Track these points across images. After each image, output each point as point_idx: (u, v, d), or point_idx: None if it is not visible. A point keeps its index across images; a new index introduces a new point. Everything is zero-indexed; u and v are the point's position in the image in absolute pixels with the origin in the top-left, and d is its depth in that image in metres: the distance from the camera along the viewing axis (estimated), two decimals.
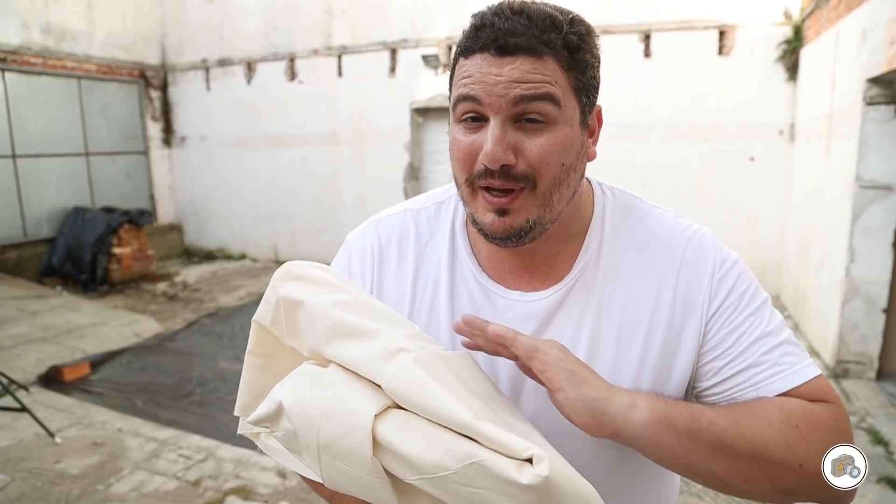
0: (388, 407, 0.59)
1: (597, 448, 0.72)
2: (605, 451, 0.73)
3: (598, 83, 0.73)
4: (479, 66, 0.66)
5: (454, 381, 0.60)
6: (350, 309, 0.66)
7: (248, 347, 0.76)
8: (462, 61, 0.68)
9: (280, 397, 0.65)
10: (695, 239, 0.77)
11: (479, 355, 0.76)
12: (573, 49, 0.66)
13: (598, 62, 0.72)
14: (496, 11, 0.66)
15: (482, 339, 0.66)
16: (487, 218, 0.70)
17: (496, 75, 0.65)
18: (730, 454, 0.63)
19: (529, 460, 0.53)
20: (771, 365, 0.71)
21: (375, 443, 0.57)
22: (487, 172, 0.67)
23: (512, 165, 0.66)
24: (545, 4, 0.68)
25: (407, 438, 0.56)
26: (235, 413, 0.77)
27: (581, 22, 0.69)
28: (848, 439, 0.68)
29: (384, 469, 0.58)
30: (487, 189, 0.69)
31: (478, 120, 0.68)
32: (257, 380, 0.75)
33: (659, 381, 0.73)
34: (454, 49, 0.71)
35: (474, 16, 0.68)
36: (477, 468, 0.53)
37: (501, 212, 0.69)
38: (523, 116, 0.66)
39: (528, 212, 0.69)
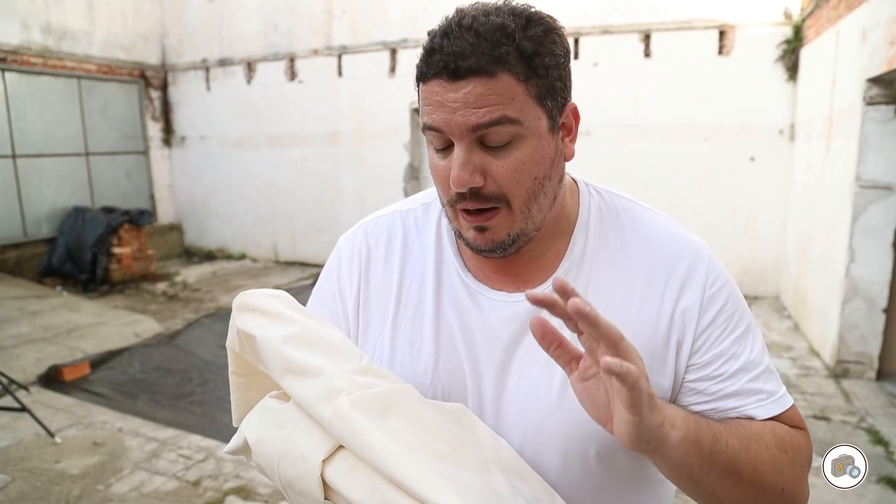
0: (340, 447, 0.61)
1: (578, 447, 0.72)
2: (587, 449, 0.72)
3: (567, 80, 0.69)
4: (437, 93, 0.65)
5: (394, 421, 0.61)
6: (298, 343, 0.67)
7: (230, 369, 0.78)
8: (422, 86, 0.67)
9: (246, 434, 0.69)
10: (687, 249, 0.75)
11: (463, 356, 0.75)
12: (529, 56, 0.64)
13: (565, 57, 0.68)
14: (445, 31, 0.64)
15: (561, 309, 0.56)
16: (470, 234, 0.70)
17: (452, 101, 0.63)
18: (736, 477, 0.65)
19: None
20: (754, 393, 0.72)
21: (326, 486, 0.60)
22: (460, 196, 0.67)
23: (481, 187, 0.66)
24: (498, 9, 0.65)
25: (352, 484, 0.59)
26: (234, 424, 0.79)
27: (539, 20, 0.66)
28: (810, 464, 0.72)
29: None
30: (465, 210, 0.69)
31: (448, 144, 0.67)
32: (244, 396, 0.78)
33: None
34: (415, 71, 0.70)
35: (429, 34, 0.67)
36: None
37: (480, 229, 0.69)
38: (485, 140, 0.65)
39: (507, 227, 0.69)
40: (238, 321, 0.72)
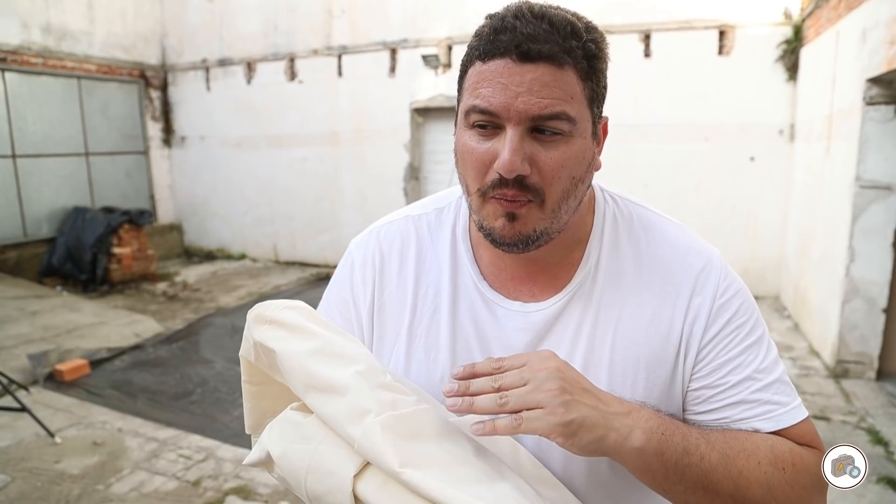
0: (367, 463, 0.61)
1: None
2: (599, 457, 0.72)
3: (606, 92, 0.71)
4: (500, 74, 0.63)
5: (422, 443, 0.61)
6: (321, 358, 0.65)
7: (243, 377, 0.77)
8: (479, 66, 0.65)
9: (268, 447, 0.68)
10: (700, 258, 0.75)
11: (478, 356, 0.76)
12: (591, 57, 0.65)
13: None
14: (517, 14, 0.63)
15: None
16: (498, 223, 0.68)
17: (517, 85, 0.62)
18: (710, 492, 0.65)
19: None
20: (762, 403, 0.71)
21: (358, 500, 0.60)
22: (502, 182, 0.65)
23: (526, 176, 0.65)
24: (560, 8, 0.65)
25: (385, 499, 0.58)
26: (247, 432, 0.79)
27: (596, 28, 0.67)
28: (823, 486, 0.69)
29: None
30: (499, 198, 0.67)
31: (489, 126, 0.66)
32: (258, 405, 0.77)
33: (655, 399, 0.73)
34: (466, 50, 0.68)
35: (492, 17, 0.65)
36: None
37: (511, 216, 0.67)
38: (539, 127, 0.65)
39: (535, 223, 0.68)
40: (255, 333, 0.70)
